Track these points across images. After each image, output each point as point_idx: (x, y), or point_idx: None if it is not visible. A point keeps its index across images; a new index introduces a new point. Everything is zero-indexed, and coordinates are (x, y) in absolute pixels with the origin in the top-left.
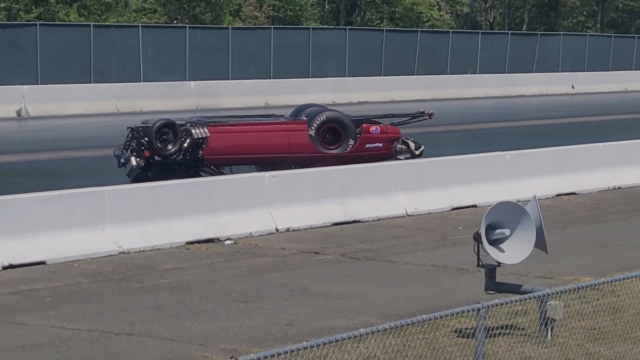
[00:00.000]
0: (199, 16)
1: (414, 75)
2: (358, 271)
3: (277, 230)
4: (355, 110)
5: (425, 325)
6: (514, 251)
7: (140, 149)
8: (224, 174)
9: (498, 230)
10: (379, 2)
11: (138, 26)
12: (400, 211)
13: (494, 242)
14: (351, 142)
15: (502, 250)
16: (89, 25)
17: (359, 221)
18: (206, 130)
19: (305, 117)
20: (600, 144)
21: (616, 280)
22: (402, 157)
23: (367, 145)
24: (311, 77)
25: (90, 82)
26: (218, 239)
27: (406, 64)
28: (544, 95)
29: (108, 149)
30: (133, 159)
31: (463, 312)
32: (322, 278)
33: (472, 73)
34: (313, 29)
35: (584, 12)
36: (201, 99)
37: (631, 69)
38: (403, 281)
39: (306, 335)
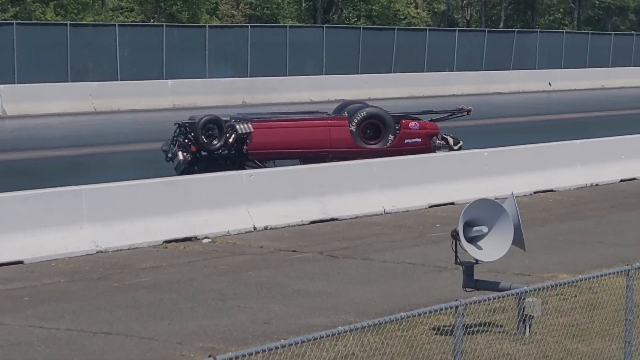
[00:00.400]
0: (176, 15)
1: (391, 73)
2: (336, 269)
3: (255, 228)
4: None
5: (404, 323)
6: (492, 248)
7: (187, 144)
8: (266, 167)
9: (476, 228)
10: (355, 0)
11: (115, 25)
12: (378, 209)
13: (472, 240)
14: (391, 137)
15: (479, 248)
16: (66, 24)
17: (336, 219)
18: (250, 125)
19: (347, 113)
20: (577, 141)
21: (594, 277)
22: (441, 152)
23: (406, 141)
24: (288, 75)
25: (67, 81)
26: (196, 237)
27: (383, 61)
28: (521, 92)
29: (85, 148)
30: (180, 153)
31: (441, 309)
32: (300, 276)
33: (449, 71)
34: (290, 27)
35: (561, 10)
36: (178, 97)
37: (608, 66)
38: (381, 279)
39: (284, 333)
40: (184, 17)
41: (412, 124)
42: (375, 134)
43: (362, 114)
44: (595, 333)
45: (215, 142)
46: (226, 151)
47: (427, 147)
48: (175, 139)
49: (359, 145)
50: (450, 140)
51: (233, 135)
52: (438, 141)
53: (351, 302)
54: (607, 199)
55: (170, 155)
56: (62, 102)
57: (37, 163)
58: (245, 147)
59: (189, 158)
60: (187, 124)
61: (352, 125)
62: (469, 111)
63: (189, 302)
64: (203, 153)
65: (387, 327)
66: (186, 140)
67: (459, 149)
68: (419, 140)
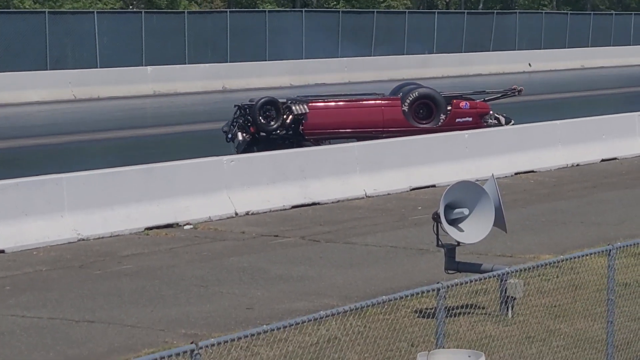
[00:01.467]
0: (155, 1)
1: (371, 56)
2: (318, 253)
3: (236, 214)
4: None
5: (386, 306)
6: (473, 230)
7: (246, 125)
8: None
9: (457, 210)
10: None
11: (93, 12)
12: (360, 192)
13: (453, 222)
14: (442, 117)
15: (461, 230)
16: (44, 12)
17: (318, 203)
18: (306, 107)
19: (401, 94)
20: (558, 122)
21: (576, 257)
22: None
23: (458, 120)
24: (268, 60)
25: (46, 70)
26: (177, 224)
27: (363, 45)
28: (501, 73)
29: (65, 136)
30: (239, 134)
31: (423, 292)
32: (282, 261)
33: (429, 53)
34: (269, 11)
35: None
36: (158, 84)
37: (588, 46)
38: (363, 262)
39: (267, 318)
40: (162, 3)
41: (463, 103)
42: (428, 114)
43: (414, 94)
44: (577, 313)
45: (272, 123)
46: (283, 132)
47: (477, 126)
48: (235, 120)
49: (411, 124)
50: (502, 119)
51: (290, 116)
52: (490, 120)
53: (333, 286)
54: (588, 179)
55: (230, 135)
56: (41, 90)
57: (17, 152)
58: (301, 127)
59: (248, 138)
60: (246, 106)
61: (405, 105)
62: (520, 91)
63: (172, 288)
64: (262, 134)
65: (370, 310)
66: (245, 122)
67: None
68: (470, 119)
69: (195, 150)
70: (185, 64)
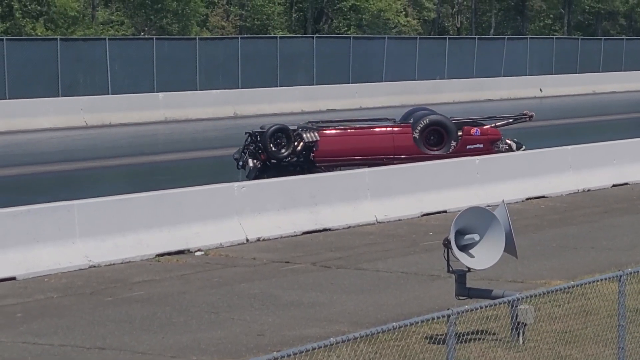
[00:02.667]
0: (166, 27)
1: (382, 81)
2: (329, 279)
3: (247, 240)
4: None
5: (397, 333)
6: (484, 256)
7: (257, 152)
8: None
9: (467, 236)
10: (346, 9)
11: (105, 39)
12: (370, 218)
13: (464, 248)
14: (453, 143)
15: (471, 256)
16: (56, 39)
17: (329, 229)
18: (316, 134)
19: (412, 120)
20: (569, 147)
21: (587, 283)
22: None
23: (468, 147)
24: (279, 86)
25: (58, 96)
26: (188, 250)
27: (374, 70)
28: (512, 99)
29: (76, 163)
30: (250, 161)
31: (433, 318)
32: (293, 287)
33: (440, 79)
34: (280, 37)
35: (551, 15)
36: (169, 110)
37: (599, 71)
38: (374, 289)
39: (278, 345)
40: (174, 29)
41: (473, 130)
42: (438, 141)
43: (425, 121)
44: (588, 339)
45: (283, 150)
46: (294, 159)
47: (488, 152)
48: (245, 147)
49: (422, 151)
50: (513, 145)
51: (301, 144)
52: (502, 146)
53: (344, 312)
54: (599, 204)
55: (241, 163)
56: (53, 117)
57: (29, 178)
58: (312, 154)
59: (259, 165)
60: (257, 133)
61: (416, 132)
62: (531, 116)
63: (182, 315)
64: (273, 161)
65: (381, 337)
66: (256, 149)
67: None
68: (481, 145)
69: (206, 177)
70: (196, 90)
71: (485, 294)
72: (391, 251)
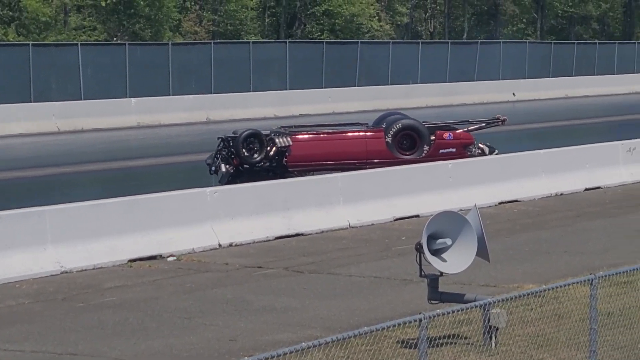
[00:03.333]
0: (139, 33)
1: (355, 86)
2: (302, 284)
3: (220, 245)
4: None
5: (369, 337)
6: (456, 260)
7: (230, 157)
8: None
9: (439, 240)
10: (319, 14)
11: (77, 44)
12: (343, 223)
13: (436, 252)
14: (426, 147)
15: (444, 260)
16: (28, 44)
17: (302, 234)
18: (289, 139)
19: (385, 124)
20: (542, 151)
21: (559, 287)
22: None
23: (441, 151)
24: (252, 91)
25: (30, 102)
26: (161, 255)
27: (347, 75)
28: (486, 103)
29: (49, 169)
30: (223, 166)
31: (405, 323)
32: (266, 292)
33: (413, 83)
34: (253, 42)
35: (524, 20)
36: (142, 115)
37: (572, 75)
38: (347, 293)
39: (250, 350)
40: (147, 35)
41: (446, 134)
42: (411, 145)
43: (397, 125)
44: (560, 343)
45: (256, 155)
46: (267, 164)
47: (461, 156)
48: (218, 152)
49: (394, 156)
50: (486, 149)
51: (273, 149)
52: (475, 150)
53: (317, 317)
54: (572, 208)
55: (213, 168)
56: (25, 122)
57: (0, 184)
58: (285, 159)
59: (232, 170)
60: (229, 138)
61: (388, 136)
62: (503, 120)
63: (155, 320)
64: (245, 166)
65: (353, 341)
66: (229, 154)
67: None
68: (454, 150)
69: (178, 182)
70: (169, 95)
71: (457, 298)
72: (364, 256)
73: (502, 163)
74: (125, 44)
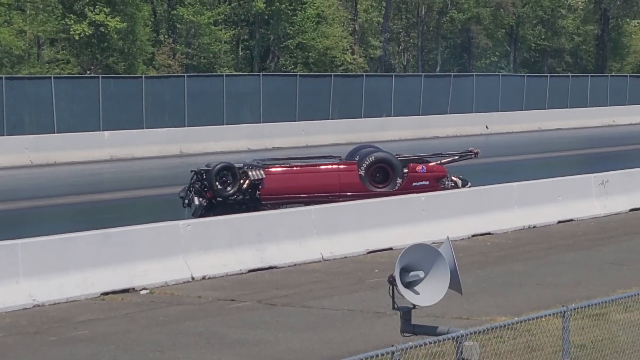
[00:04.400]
0: (112, 66)
1: (328, 119)
2: (275, 317)
3: (193, 278)
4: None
5: None
6: (429, 293)
7: (203, 190)
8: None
9: (412, 273)
10: (292, 47)
11: (50, 77)
12: (316, 256)
13: (409, 285)
14: (399, 180)
15: (417, 293)
16: (1, 77)
17: (275, 267)
18: (262, 172)
19: (358, 157)
20: (514, 184)
21: (532, 319)
22: None
23: (414, 184)
24: (226, 124)
25: (3, 135)
26: (134, 289)
27: (321, 108)
28: (459, 136)
29: (21, 202)
30: (196, 199)
31: (377, 355)
32: (239, 325)
33: (386, 116)
34: (227, 75)
35: (497, 53)
36: (115, 148)
37: (545, 108)
38: (320, 326)
39: None
40: (120, 68)
41: (419, 167)
42: (384, 178)
43: (370, 158)
44: None
45: (229, 188)
46: (240, 197)
47: (434, 189)
48: (191, 185)
49: (367, 189)
50: (459, 182)
51: (246, 182)
52: (448, 183)
53: (290, 350)
54: (544, 240)
55: (187, 201)
56: None
57: None
58: (258, 192)
59: (205, 204)
60: (202, 171)
61: (362, 169)
62: (476, 153)
63: (127, 354)
64: (219, 199)
65: None
66: (202, 187)
67: None
68: (427, 183)
69: (151, 215)
70: (142, 128)
71: (430, 330)
72: (337, 289)
73: (475, 196)
74: (98, 77)
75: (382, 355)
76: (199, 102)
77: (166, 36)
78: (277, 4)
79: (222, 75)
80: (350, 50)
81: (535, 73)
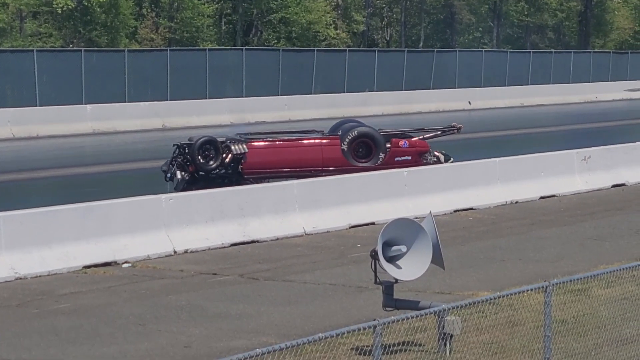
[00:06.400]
0: (95, 40)
1: (311, 94)
2: (256, 291)
3: (175, 252)
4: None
5: (323, 344)
6: (411, 268)
7: (185, 164)
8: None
9: (395, 247)
10: (275, 22)
11: (33, 50)
12: (299, 230)
13: (391, 259)
14: (381, 155)
15: (399, 267)
16: None
17: (257, 241)
18: (245, 146)
19: (340, 132)
20: (497, 159)
21: (513, 294)
22: None
23: (397, 159)
24: (208, 98)
25: None
26: (116, 262)
27: (303, 83)
28: (441, 111)
29: (3, 175)
30: (178, 173)
31: (359, 329)
32: (221, 299)
33: (369, 91)
34: (209, 50)
35: (480, 29)
36: (97, 122)
37: (527, 84)
38: (302, 300)
39: (205, 356)
40: (103, 41)
41: (402, 142)
42: (367, 153)
43: (353, 133)
44: (515, 350)
45: (211, 162)
46: (222, 171)
47: (417, 164)
48: (174, 159)
49: (350, 163)
50: (442, 157)
51: (229, 156)
52: (431, 157)
53: (272, 324)
54: (526, 216)
55: (169, 175)
56: None
57: None
58: (240, 166)
59: (187, 177)
60: (185, 145)
61: (344, 144)
62: (459, 128)
63: (109, 327)
64: (201, 173)
65: (307, 348)
66: (184, 161)
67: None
68: (409, 158)
69: (134, 189)
70: (125, 102)
71: (412, 305)
72: (319, 263)
73: (458, 171)
74: (81, 50)
75: (364, 329)
76: (181, 76)
77: (149, 10)
78: None
79: (205, 50)
80: (333, 25)
81: (518, 49)
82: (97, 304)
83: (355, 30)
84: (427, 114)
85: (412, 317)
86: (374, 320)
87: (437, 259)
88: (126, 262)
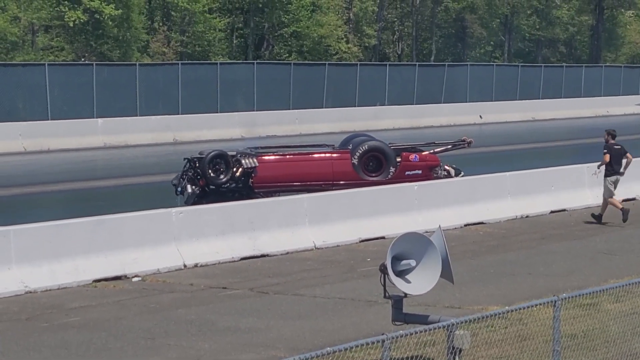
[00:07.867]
0: (107, 53)
1: (322, 108)
2: (266, 305)
3: (185, 266)
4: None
5: (332, 358)
6: (421, 282)
7: (196, 178)
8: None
9: (404, 261)
10: (287, 36)
11: (45, 64)
12: (309, 244)
13: (400, 273)
14: (392, 169)
15: (408, 281)
16: None
17: (267, 255)
18: (255, 160)
19: (351, 146)
20: (507, 174)
21: (523, 309)
22: None
23: (407, 173)
24: (220, 112)
25: None
26: (125, 276)
27: (315, 97)
28: (452, 125)
29: (14, 188)
30: (189, 187)
31: (368, 344)
32: (231, 313)
33: (380, 105)
34: (221, 63)
35: (491, 43)
36: (109, 136)
37: (538, 98)
38: (311, 314)
39: None
40: (114, 55)
41: (412, 156)
42: (377, 167)
43: (364, 147)
44: None
45: (222, 176)
46: (233, 185)
47: (427, 178)
48: (184, 173)
49: (360, 177)
50: (452, 171)
51: (239, 170)
52: (441, 172)
53: (281, 338)
54: (537, 230)
55: (180, 189)
56: None
57: None
58: (251, 180)
59: (198, 191)
60: (195, 159)
61: (355, 158)
62: (470, 142)
63: (119, 341)
64: (211, 187)
65: None
66: (195, 175)
67: None
68: (420, 172)
69: (144, 203)
70: (136, 115)
71: (421, 319)
72: (329, 277)
73: (468, 185)
74: (92, 64)
75: (373, 343)
76: (193, 90)
77: (161, 24)
78: None
79: (217, 63)
80: (344, 39)
81: (530, 63)
82: (106, 317)
83: (367, 44)
84: (438, 128)
85: (422, 332)
86: (383, 334)
87: (447, 273)
88: (136, 276)
